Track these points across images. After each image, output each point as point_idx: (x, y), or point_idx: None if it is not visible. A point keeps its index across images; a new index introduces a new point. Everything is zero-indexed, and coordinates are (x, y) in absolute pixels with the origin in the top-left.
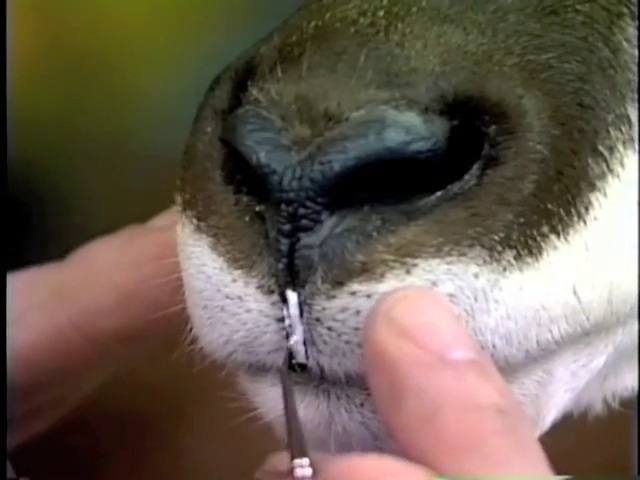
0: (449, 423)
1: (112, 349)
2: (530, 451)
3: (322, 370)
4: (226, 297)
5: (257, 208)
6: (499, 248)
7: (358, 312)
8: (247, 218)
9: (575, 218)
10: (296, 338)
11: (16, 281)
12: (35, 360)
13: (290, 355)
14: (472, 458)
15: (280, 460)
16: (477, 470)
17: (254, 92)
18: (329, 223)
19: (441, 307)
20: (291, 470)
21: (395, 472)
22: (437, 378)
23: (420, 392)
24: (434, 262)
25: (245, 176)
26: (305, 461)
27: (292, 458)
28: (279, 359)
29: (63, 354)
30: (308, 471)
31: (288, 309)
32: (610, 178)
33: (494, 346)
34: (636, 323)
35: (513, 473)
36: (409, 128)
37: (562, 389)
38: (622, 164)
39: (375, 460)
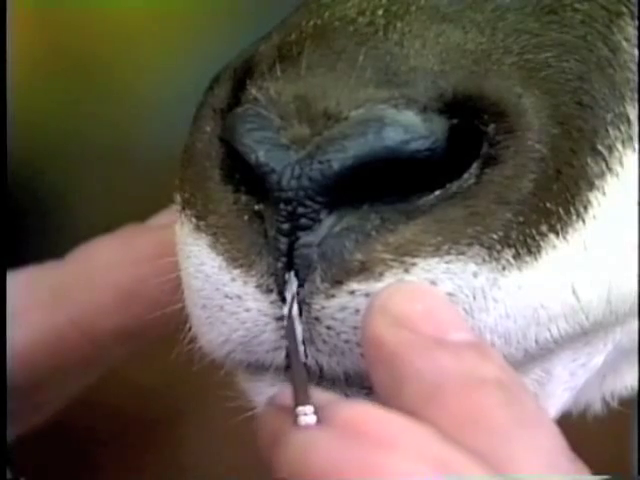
0: (450, 399)
1: (111, 348)
2: (535, 424)
3: (321, 369)
4: (225, 296)
5: (256, 207)
6: (498, 247)
7: (357, 311)
8: (246, 217)
9: (574, 217)
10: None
11: (16, 279)
12: (34, 358)
13: (289, 354)
14: (474, 433)
15: (286, 396)
16: (483, 445)
17: (253, 91)
18: (328, 222)
19: (436, 295)
20: (295, 417)
21: (405, 427)
22: (436, 360)
23: (420, 375)
24: (433, 261)
25: (244, 175)
26: (309, 409)
27: (296, 405)
28: (278, 358)
29: (62, 353)
30: (312, 419)
31: (287, 308)
32: (609, 177)
33: (493, 345)
34: (635, 322)
35: (520, 447)
36: (408, 127)
37: (561, 388)
38: (621, 163)
39: (384, 413)
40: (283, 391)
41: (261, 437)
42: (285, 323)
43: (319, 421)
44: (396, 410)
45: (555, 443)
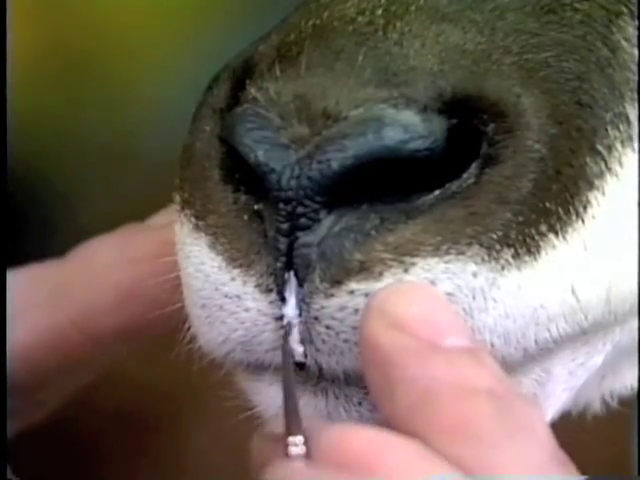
0: (441, 409)
1: (111, 347)
2: (525, 434)
3: (320, 369)
4: (224, 296)
5: (255, 207)
6: (497, 247)
7: (356, 311)
8: (245, 217)
9: (573, 217)
10: (294, 337)
11: (16, 278)
12: (35, 358)
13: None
14: (464, 443)
15: (277, 426)
16: (469, 455)
17: (252, 91)
18: (327, 222)
19: (434, 297)
20: (285, 447)
21: (386, 443)
22: (429, 366)
23: (413, 381)
24: (432, 261)
25: (243, 175)
26: (299, 439)
27: (286, 435)
28: (277, 358)
29: (62, 352)
30: (302, 449)
31: (286, 308)
32: (609, 177)
33: (492, 345)
34: (635, 322)
35: (507, 457)
36: (407, 127)
37: (560, 388)
38: (620, 163)
39: (366, 431)
40: (276, 418)
41: (252, 463)
42: (281, 353)
43: (308, 451)
44: (389, 414)
45: (545, 451)
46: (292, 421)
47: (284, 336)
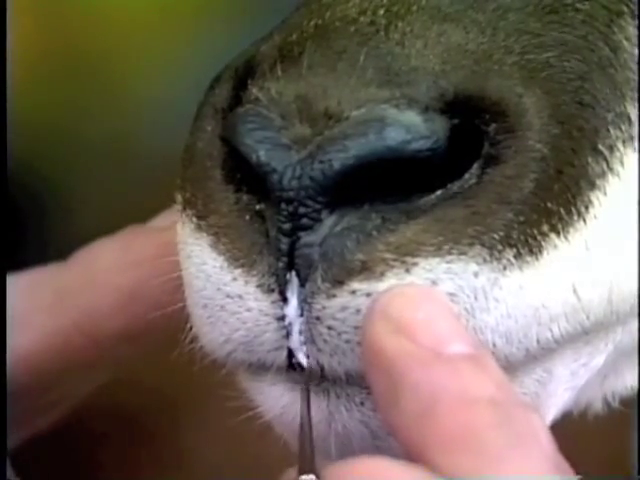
0: (444, 418)
1: (115, 349)
2: (526, 443)
3: (322, 369)
4: (226, 296)
5: (257, 207)
6: (499, 247)
7: (358, 311)
8: (247, 217)
9: (575, 217)
10: (296, 337)
11: (18, 282)
12: (38, 361)
13: (290, 354)
14: (467, 453)
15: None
16: (473, 465)
17: (254, 91)
18: (329, 222)
19: (438, 303)
20: None
21: (391, 473)
22: (432, 373)
23: (416, 388)
24: (434, 261)
25: (245, 175)
26: (311, 478)
27: (300, 474)
28: (279, 358)
29: (66, 355)
30: None
31: (288, 308)
32: (610, 177)
33: (494, 345)
34: (636, 322)
35: (509, 467)
36: (409, 127)
37: (562, 388)
38: (622, 163)
39: (371, 462)
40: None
41: None
42: (301, 397)
43: None
44: (392, 421)
45: (547, 460)
46: (305, 459)
47: (305, 385)
